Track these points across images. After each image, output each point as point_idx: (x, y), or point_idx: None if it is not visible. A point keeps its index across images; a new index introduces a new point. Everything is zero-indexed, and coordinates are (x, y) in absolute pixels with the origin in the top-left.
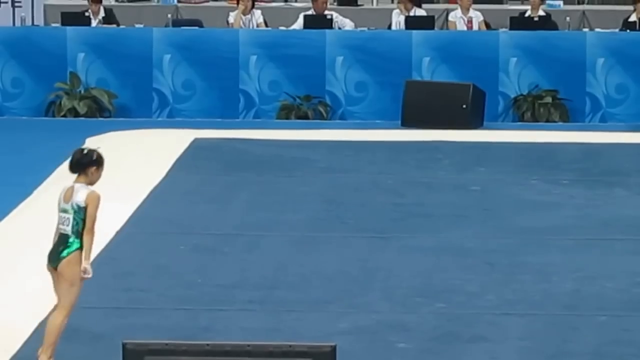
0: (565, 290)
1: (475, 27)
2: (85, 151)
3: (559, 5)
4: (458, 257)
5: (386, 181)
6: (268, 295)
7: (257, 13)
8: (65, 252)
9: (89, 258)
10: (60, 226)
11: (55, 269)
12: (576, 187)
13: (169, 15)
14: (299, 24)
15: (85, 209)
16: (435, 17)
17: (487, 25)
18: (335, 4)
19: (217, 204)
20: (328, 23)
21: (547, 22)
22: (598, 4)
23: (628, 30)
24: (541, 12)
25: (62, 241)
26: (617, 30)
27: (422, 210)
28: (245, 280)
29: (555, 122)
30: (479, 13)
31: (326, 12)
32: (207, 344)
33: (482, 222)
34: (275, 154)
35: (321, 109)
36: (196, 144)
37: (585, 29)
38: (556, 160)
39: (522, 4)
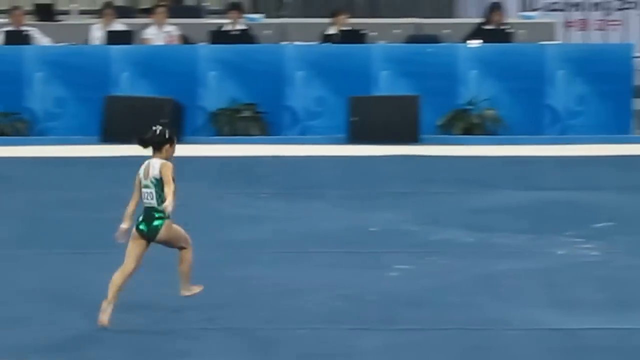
0: (265, 303)
1: (172, 41)
2: (158, 131)
3: (259, 19)
4: (158, 271)
5: (86, 197)
6: None
7: None
8: (158, 223)
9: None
10: (145, 201)
11: (149, 239)
12: (275, 200)
13: None
14: None
15: (161, 179)
16: (135, 31)
17: (186, 40)
18: (34, 19)
19: None
20: (25, 39)
21: (246, 36)
22: (297, 17)
23: (327, 43)
24: (241, 26)
25: (151, 214)
26: (316, 43)
27: None
28: None
29: (254, 135)
30: (175, 27)
31: (24, 27)
32: None
33: None
34: None
35: (19, 126)
36: None
37: (285, 42)
38: (255, 173)
39: (221, 17)
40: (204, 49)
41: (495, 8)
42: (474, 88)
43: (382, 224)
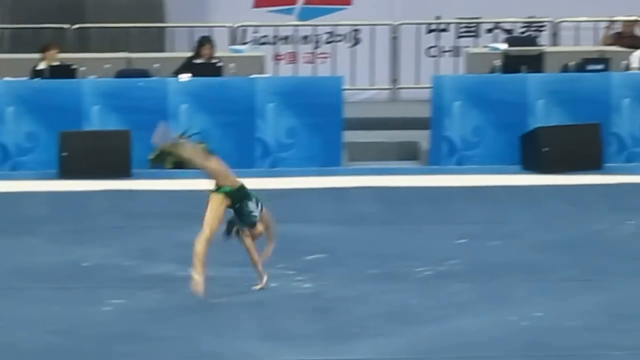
0: None
1: None
2: None
3: None
4: None
5: None
6: None
7: None
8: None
9: None
10: None
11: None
12: None
13: None
14: None
15: None
16: None
17: None
18: None
19: None
20: None
21: None
22: (6, 52)
23: (37, 79)
24: None
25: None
26: (26, 78)
27: None
28: None
29: None
30: None
31: None
32: None
33: None
34: None
35: None
36: None
37: None
38: None
39: None
40: None
41: (205, 42)
42: (185, 122)
43: (95, 258)
